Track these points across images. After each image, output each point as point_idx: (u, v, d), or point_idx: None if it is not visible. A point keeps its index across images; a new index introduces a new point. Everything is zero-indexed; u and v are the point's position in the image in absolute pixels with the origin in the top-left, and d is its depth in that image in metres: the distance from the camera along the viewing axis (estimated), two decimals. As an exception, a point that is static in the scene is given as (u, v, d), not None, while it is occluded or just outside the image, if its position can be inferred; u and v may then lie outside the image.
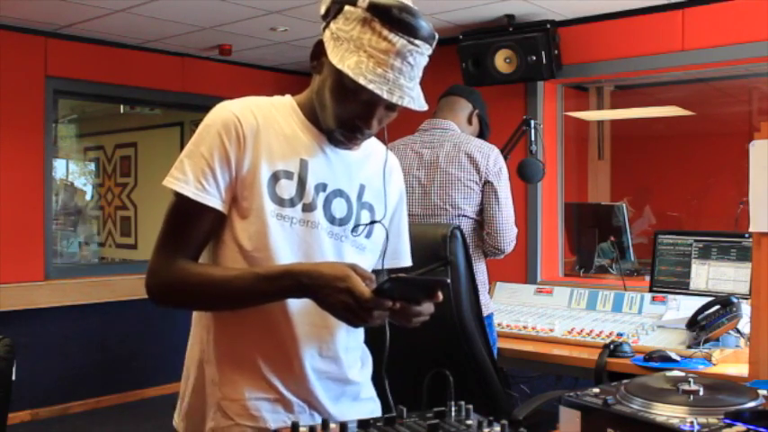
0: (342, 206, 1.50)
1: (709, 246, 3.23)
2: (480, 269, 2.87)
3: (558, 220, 4.87)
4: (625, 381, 1.40)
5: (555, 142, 4.87)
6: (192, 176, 1.39)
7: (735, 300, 2.65)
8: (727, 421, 1.19)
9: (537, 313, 3.24)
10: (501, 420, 1.17)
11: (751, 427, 1.17)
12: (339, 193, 1.50)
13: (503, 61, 4.62)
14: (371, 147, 1.58)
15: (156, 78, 5.55)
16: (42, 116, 4.99)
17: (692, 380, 1.34)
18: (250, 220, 1.41)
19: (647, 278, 3.60)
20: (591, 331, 2.96)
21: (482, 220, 2.85)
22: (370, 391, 1.62)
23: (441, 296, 1.33)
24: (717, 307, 2.65)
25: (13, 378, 2.08)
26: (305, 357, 1.46)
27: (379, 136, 1.58)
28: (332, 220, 1.48)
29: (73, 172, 8.07)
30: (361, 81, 1.31)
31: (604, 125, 5.87)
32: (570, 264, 4.99)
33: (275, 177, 1.43)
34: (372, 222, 1.53)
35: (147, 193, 7.47)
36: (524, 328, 3.08)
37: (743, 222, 2.32)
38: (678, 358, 2.54)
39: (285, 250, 1.42)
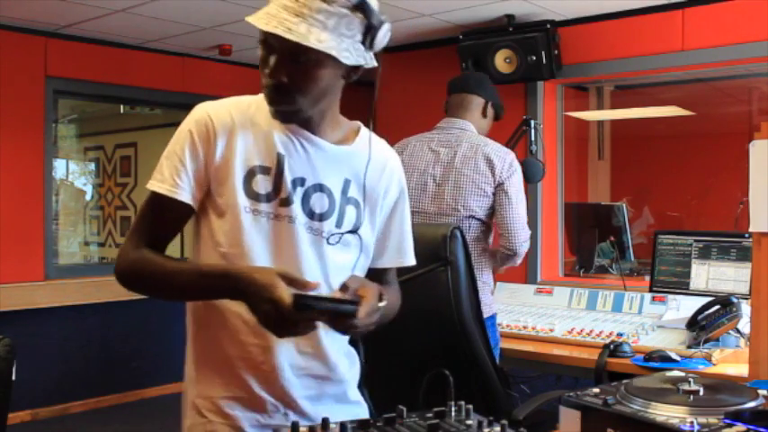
0: (322, 201, 1.48)
1: (709, 246, 3.23)
2: (485, 270, 2.85)
3: (558, 220, 4.87)
4: (625, 381, 1.40)
5: (555, 142, 4.87)
6: (167, 175, 1.45)
7: (735, 300, 2.65)
8: (727, 421, 1.19)
9: (537, 313, 3.24)
10: (501, 420, 1.17)
11: (751, 427, 1.17)
12: (319, 187, 1.48)
13: (503, 61, 4.62)
14: (368, 143, 1.56)
15: (156, 78, 5.55)
16: (42, 116, 4.99)
17: (691, 380, 1.34)
18: (226, 218, 1.44)
19: (647, 278, 3.60)
20: (591, 331, 2.96)
21: (494, 223, 2.84)
22: (358, 393, 1.60)
23: (362, 313, 1.30)
24: (717, 307, 2.65)
25: (13, 378, 2.08)
26: (280, 353, 1.45)
27: (384, 136, 1.60)
28: (311, 215, 1.46)
29: (73, 172, 8.06)
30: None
31: (604, 125, 5.87)
32: (570, 264, 4.99)
33: (251, 173, 1.44)
34: (351, 232, 1.50)
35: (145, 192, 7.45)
36: (524, 328, 3.08)
37: (743, 222, 2.32)
38: (678, 358, 2.54)
39: (259, 246, 1.43)
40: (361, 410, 1.58)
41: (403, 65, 5.59)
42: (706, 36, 4.16)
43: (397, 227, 1.61)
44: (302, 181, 1.46)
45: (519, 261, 2.90)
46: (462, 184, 2.81)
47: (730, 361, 2.54)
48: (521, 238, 2.80)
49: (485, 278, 2.84)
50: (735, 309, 2.62)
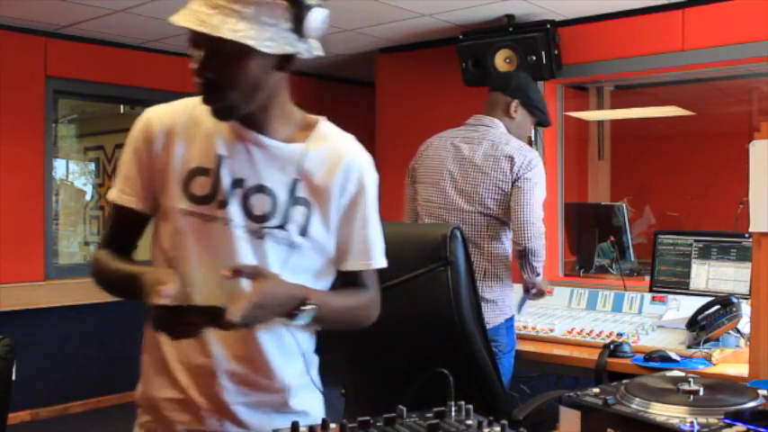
0: (262, 202, 1.43)
1: (709, 246, 3.23)
2: (506, 271, 2.81)
3: (558, 220, 4.86)
4: (625, 381, 1.40)
5: (555, 142, 4.87)
6: (117, 182, 1.50)
7: (735, 300, 2.65)
8: (727, 421, 1.19)
9: (537, 313, 3.24)
10: (501, 420, 1.17)
11: (751, 427, 1.17)
12: (260, 188, 1.44)
13: (503, 61, 4.62)
14: (325, 140, 1.51)
15: (156, 78, 5.55)
16: (42, 116, 4.99)
17: (691, 380, 1.34)
18: (169, 221, 1.45)
19: (647, 278, 3.60)
20: (591, 331, 2.96)
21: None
22: (306, 403, 1.54)
23: (232, 315, 1.25)
24: (717, 307, 2.65)
25: (13, 378, 2.08)
26: (217, 358, 1.43)
27: (348, 129, 1.56)
28: (250, 216, 1.43)
29: (73, 172, 8.06)
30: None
31: (604, 125, 5.87)
32: (570, 264, 4.99)
33: (191, 175, 1.44)
34: (278, 227, 1.44)
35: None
36: (524, 328, 3.08)
37: (743, 222, 2.32)
38: (678, 358, 2.54)
39: (196, 248, 1.43)
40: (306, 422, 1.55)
41: (403, 65, 5.59)
42: (706, 36, 4.16)
43: (358, 227, 1.53)
44: (241, 182, 1.43)
45: (536, 261, 2.76)
46: (480, 182, 2.78)
47: (730, 361, 2.54)
48: (529, 232, 2.69)
49: (506, 280, 2.80)
50: (735, 309, 2.62)
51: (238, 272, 1.31)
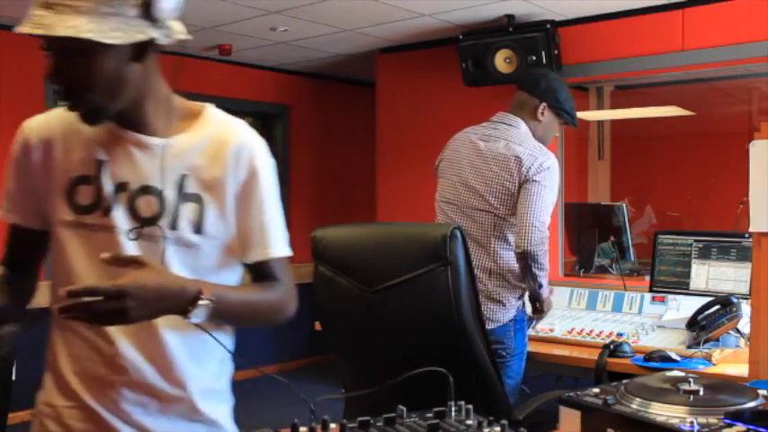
0: (149, 203, 1.36)
1: (709, 246, 3.23)
2: (511, 268, 2.75)
3: (558, 220, 4.87)
4: (625, 381, 1.40)
5: (555, 142, 4.86)
6: (4, 198, 1.46)
7: (735, 300, 2.65)
8: (727, 421, 1.19)
9: (537, 313, 3.23)
10: (501, 420, 1.17)
11: (751, 427, 1.17)
12: (145, 189, 1.37)
13: (503, 61, 4.62)
14: (211, 128, 1.42)
15: (155, 78, 5.54)
16: (42, 116, 4.99)
17: (692, 380, 1.34)
18: (55, 234, 1.40)
19: (647, 278, 3.60)
20: (591, 331, 2.96)
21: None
22: (217, 411, 1.50)
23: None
24: (717, 307, 2.65)
25: (14, 378, 2.08)
26: (118, 364, 1.37)
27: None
28: (138, 219, 1.36)
29: (73, 172, 8.07)
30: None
31: (604, 125, 5.87)
32: (570, 264, 4.99)
33: (74, 184, 1.38)
34: (170, 228, 1.36)
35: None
36: (526, 325, 3.08)
37: (743, 222, 2.32)
38: (678, 358, 2.54)
39: (83, 261, 1.36)
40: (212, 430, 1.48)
41: (403, 65, 5.59)
42: (706, 36, 4.16)
43: (255, 213, 1.43)
44: (124, 186, 1.37)
45: (537, 269, 2.64)
46: (489, 181, 2.75)
47: (730, 361, 2.54)
48: (530, 235, 2.60)
49: (513, 280, 2.76)
50: (735, 309, 2.62)
51: (118, 260, 1.24)
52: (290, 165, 6.51)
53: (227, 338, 1.52)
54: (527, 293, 2.81)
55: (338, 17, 4.71)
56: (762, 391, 1.33)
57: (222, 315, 1.36)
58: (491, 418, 1.19)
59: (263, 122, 6.65)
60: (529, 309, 2.87)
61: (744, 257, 3.08)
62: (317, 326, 2.46)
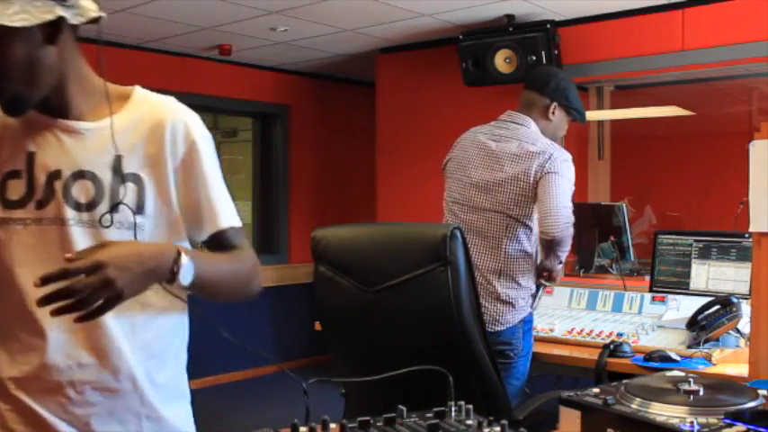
0: (86, 189, 1.33)
1: (709, 246, 3.23)
2: (526, 273, 2.75)
3: (558, 220, 4.86)
4: (625, 381, 1.40)
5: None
6: None
7: (735, 300, 2.65)
8: (727, 421, 1.19)
9: (537, 313, 3.23)
10: (501, 420, 1.17)
11: (751, 427, 1.17)
12: (80, 175, 1.33)
13: (503, 61, 4.62)
14: (142, 107, 1.39)
15: (156, 78, 5.55)
16: (42, 116, 4.99)
17: (691, 380, 1.34)
18: None
19: (647, 278, 3.60)
20: (591, 331, 2.96)
21: (532, 217, 2.74)
22: (174, 410, 1.44)
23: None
24: (717, 307, 2.65)
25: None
26: (57, 371, 1.32)
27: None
28: (77, 207, 1.32)
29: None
30: None
31: (604, 125, 5.86)
32: (570, 264, 4.99)
33: (5, 179, 1.33)
34: (114, 206, 1.32)
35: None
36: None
37: (743, 222, 2.32)
38: (678, 358, 2.54)
39: (23, 257, 1.31)
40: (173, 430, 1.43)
41: (403, 65, 5.59)
42: (706, 36, 4.16)
43: (200, 187, 1.40)
44: (58, 174, 1.33)
45: (561, 251, 2.70)
46: (502, 181, 2.73)
47: (730, 361, 2.54)
48: (557, 221, 2.60)
49: (523, 282, 2.76)
50: (735, 309, 2.62)
51: (56, 275, 1.15)
52: (290, 165, 6.51)
53: (183, 335, 1.48)
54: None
55: (338, 17, 4.72)
56: (762, 391, 1.33)
57: (206, 278, 1.32)
58: (491, 418, 1.19)
59: (263, 122, 6.65)
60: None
61: (744, 257, 3.08)
62: (317, 326, 2.46)
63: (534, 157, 2.70)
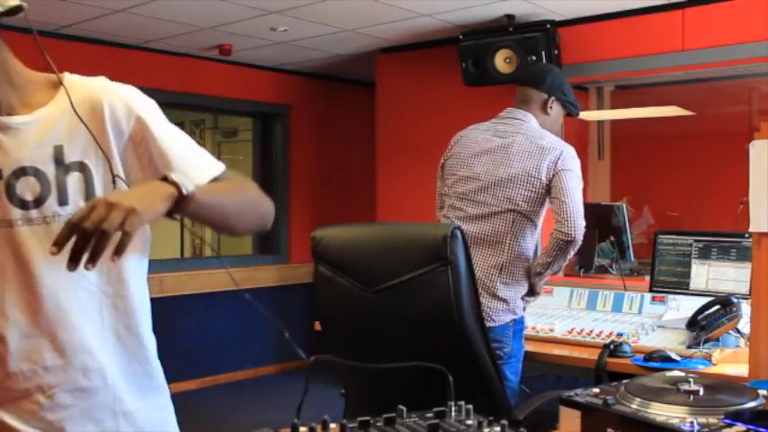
0: (30, 185, 1.26)
1: (709, 246, 3.23)
2: (522, 271, 2.76)
3: (558, 220, 4.87)
4: (625, 381, 1.40)
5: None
6: None
7: (735, 300, 2.65)
8: (727, 421, 1.19)
9: (537, 313, 3.24)
10: (501, 420, 1.17)
11: (751, 427, 1.17)
12: (22, 172, 1.26)
13: (503, 61, 4.62)
14: (76, 92, 1.31)
15: (156, 78, 5.55)
16: (42, 116, 4.99)
17: (692, 380, 1.34)
18: None
19: (647, 278, 3.60)
20: (591, 331, 2.96)
21: (539, 214, 2.77)
22: (143, 400, 1.38)
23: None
24: (717, 307, 2.65)
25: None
26: (23, 378, 1.27)
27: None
28: (24, 205, 1.26)
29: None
30: None
31: (604, 125, 5.87)
32: (570, 264, 4.99)
33: None
34: (61, 204, 1.26)
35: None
36: (524, 327, 3.08)
37: (743, 222, 2.32)
38: (678, 358, 2.54)
39: None
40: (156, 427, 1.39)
41: (403, 65, 5.59)
42: (706, 36, 4.16)
43: (160, 158, 1.31)
44: None
45: (572, 254, 2.74)
46: (510, 177, 2.73)
47: (730, 361, 2.54)
48: (579, 223, 2.65)
49: (521, 279, 2.76)
50: (735, 309, 2.62)
51: (64, 238, 1.08)
52: (290, 165, 6.51)
53: (148, 320, 1.42)
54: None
55: (338, 17, 4.72)
56: (762, 391, 1.33)
57: (204, 196, 1.25)
58: (491, 418, 1.19)
59: (263, 122, 6.65)
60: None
61: (744, 257, 3.08)
62: (317, 326, 2.46)
63: (545, 154, 2.71)
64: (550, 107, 2.89)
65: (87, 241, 1.06)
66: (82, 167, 1.29)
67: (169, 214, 1.20)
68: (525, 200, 2.72)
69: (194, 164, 1.35)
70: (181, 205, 1.19)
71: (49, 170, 1.27)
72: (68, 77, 1.34)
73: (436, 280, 1.96)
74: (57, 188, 1.27)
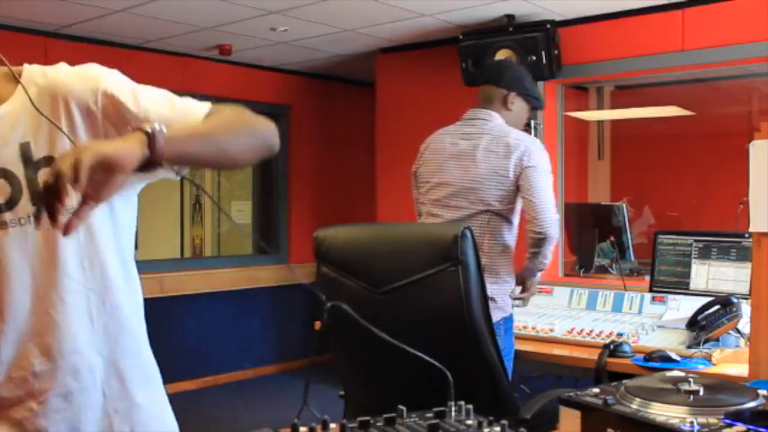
0: (1, 187, 1.21)
1: (709, 246, 3.23)
2: (506, 268, 2.79)
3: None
4: (625, 381, 1.40)
5: (555, 142, 4.87)
6: None
7: (735, 300, 2.65)
8: (727, 421, 1.19)
9: (537, 313, 3.24)
10: (501, 420, 1.17)
11: (751, 427, 1.17)
12: None
13: (503, 61, 4.62)
14: (34, 84, 1.25)
15: (156, 78, 5.50)
16: (42, 116, 4.99)
17: (691, 380, 1.34)
18: None
19: (647, 278, 3.60)
20: (591, 331, 2.96)
21: (514, 211, 2.79)
22: (143, 398, 1.35)
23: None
24: (717, 307, 2.65)
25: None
26: (8, 375, 1.24)
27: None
28: None
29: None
30: None
31: (604, 125, 5.88)
32: (570, 264, 4.99)
33: None
34: (10, 205, 1.21)
35: (146, 193, 7.45)
36: (524, 327, 3.08)
37: (743, 222, 2.32)
38: (678, 358, 2.54)
39: None
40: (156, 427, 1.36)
41: (403, 65, 5.59)
42: (706, 36, 4.16)
43: (142, 114, 1.24)
44: None
45: (550, 249, 2.76)
46: (481, 177, 2.76)
47: (730, 361, 2.54)
48: (549, 218, 2.69)
49: (505, 276, 2.79)
50: (735, 309, 2.62)
51: (47, 199, 1.01)
52: (290, 165, 6.51)
53: (141, 333, 1.38)
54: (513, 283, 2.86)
55: (338, 17, 4.72)
56: (762, 391, 1.33)
57: (187, 137, 1.18)
58: (491, 417, 1.19)
59: (263, 122, 6.64)
60: (518, 290, 2.92)
61: (744, 257, 3.08)
62: (317, 326, 2.46)
63: (510, 151, 2.74)
64: (512, 102, 2.90)
65: (58, 192, 0.99)
66: (49, 162, 1.21)
67: (157, 165, 1.11)
68: (497, 199, 2.76)
69: (177, 112, 1.27)
70: (157, 148, 1.09)
71: (19, 170, 1.22)
72: (27, 69, 1.28)
73: (447, 280, 1.96)
74: (28, 188, 1.22)
